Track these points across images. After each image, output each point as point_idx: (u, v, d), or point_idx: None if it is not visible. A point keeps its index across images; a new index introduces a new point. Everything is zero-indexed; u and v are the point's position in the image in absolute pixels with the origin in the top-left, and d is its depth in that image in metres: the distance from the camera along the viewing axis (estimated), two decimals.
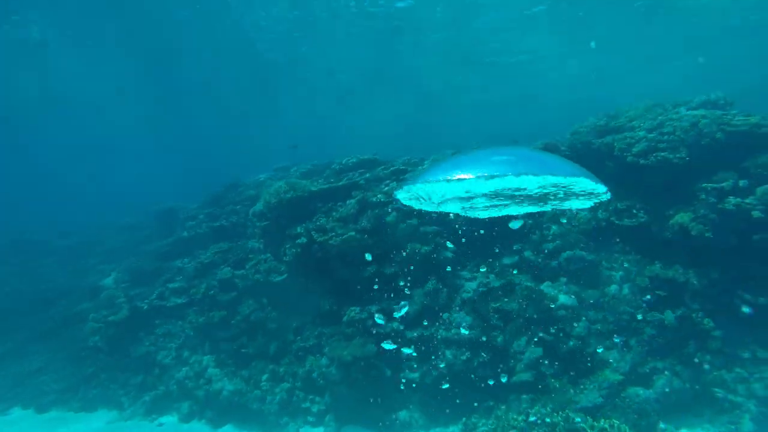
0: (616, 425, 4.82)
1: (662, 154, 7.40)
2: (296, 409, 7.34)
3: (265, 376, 7.71)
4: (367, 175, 8.89)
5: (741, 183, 7.07)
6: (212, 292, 8.90)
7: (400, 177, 8.61)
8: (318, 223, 7.67)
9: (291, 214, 8.23)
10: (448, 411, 6.88)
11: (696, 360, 6.57)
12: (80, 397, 8.64)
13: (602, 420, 4.98)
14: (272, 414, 7.24)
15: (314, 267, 7.75)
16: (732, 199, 6.83)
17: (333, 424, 7.07)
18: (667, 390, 6.37)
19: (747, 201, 6.72)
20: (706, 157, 7.35)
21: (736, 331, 7.06)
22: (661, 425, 6.25)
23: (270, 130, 35.96)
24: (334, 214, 7.79)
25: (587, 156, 8.83)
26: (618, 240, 7.98)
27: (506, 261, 8.12)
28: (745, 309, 6.54)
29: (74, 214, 25.54)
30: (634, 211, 7.94)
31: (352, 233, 7.27)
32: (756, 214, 6.60)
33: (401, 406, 7.12)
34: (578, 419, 5.26)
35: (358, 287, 7.49)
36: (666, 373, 6.45)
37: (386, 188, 8.15)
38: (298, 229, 7.89)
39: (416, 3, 16.97)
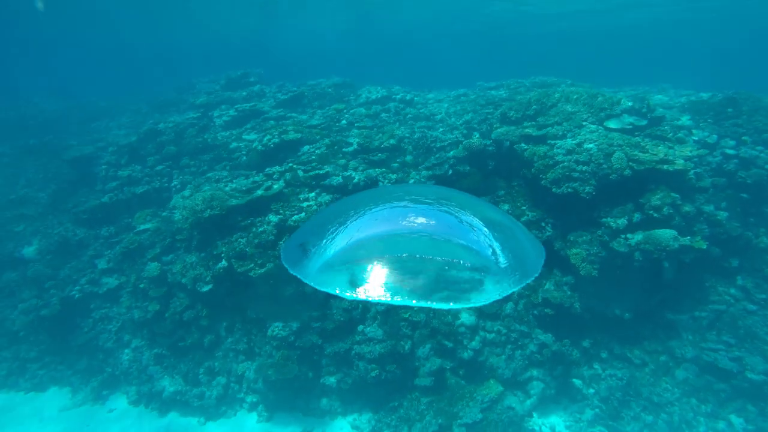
0: None
1: (574, 185, 7.66)
2: (233, 399, 8.48)
3: (202, 370, 8.62)
4: (288, 176, 8.63)
5: (635, 217, 7.64)
6: (143, 285, 9.16)
7: (321, 182, 8.47)
8: (238, 249, 7.76)
9: (211, 228, 8.17)
10: (362, 403, 8.24)
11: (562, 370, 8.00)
12: (28, 377, 9.36)
13: None
14: (212, 407, 8.35)
15: (237, 283, 8.10)
16: (622, 239, 7.47)
17: (265, 413, 8.32)
18: (538, 391, 7.87)
19: (632, 243, 7.40)
20: (611, 190, 7.71)
21: (605, 335, 8.46)
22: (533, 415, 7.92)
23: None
24: (252, 236, 7.84)
25: (510, 157, 8.89)
26: None
27: None
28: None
29: None
30: (543, 224, 8.48)
31: (271, 265, 7.51)
32: (637, 256, 7.36)
33: (322, 395, 8.38)
34: None
35: (281, 302, 8.05)
36: (539, 382, 7.87)
37: (305, 204, 8.10)
38: (220, 248, 7.98)
39: None
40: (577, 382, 8.20)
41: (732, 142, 9.60)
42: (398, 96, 12.58)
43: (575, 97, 9.01)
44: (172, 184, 10.87)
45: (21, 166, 14.05)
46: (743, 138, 9.75)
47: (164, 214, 10.53)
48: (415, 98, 12.79)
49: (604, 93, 9.18)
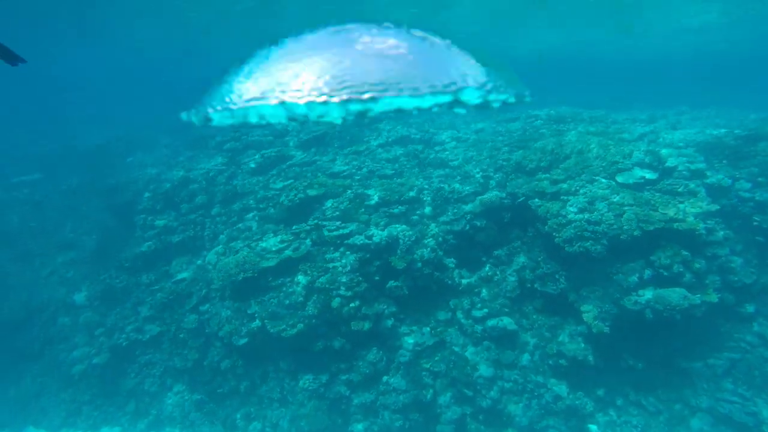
0: None
1: (585, 244, 7.99)
2: None
3: (239, 415, 9.32)
4: (314, 234, 9.22)
5: (646, 274, 7.93)
6: (182, 335, 9.92)
7: (345, 241, 9.03)
8: (270, 310, 8.40)
9: (244, 287, 8.84)
10: None
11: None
12: (84, 418, 10.26)
13: None
14: None
15: (270, 339, 8.74)
16: (633, 297, 7.78)
17: None
18: None
19: (642, 301, 7.69)
20: (622, 249, 8.01)
21: (619, 381, 8.77)
22: None
23: None
24: (284, 297, 8.46)
25: (525, 209, 9.26)
26: (540, 300, 9.03)
27: (441, 316, 9.22)
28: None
29: None
30: (557, 277, 8.82)
31: (301, 326, 8.11)
32: (648, 314, 7.65)
33: None
34: None
35: (311, 355, 8.66)
36: (555, 431, 8.26)
37: (330, 264, 8.68)
38: (253, 307, 8.63)
39: None
40: (593, 428, 8.55)
41: (747, 185, 9.70)
42: (417, 136, 13.03)
43: (588, 148, 9.29)
44: (205, 233, 11.62)
45: (65, 208, 15.11)
46: (758, 179, 9.84)
47: (199, 262, 11.29)
48: (434, 137, 13.22)
49: (616, 141, 9.42)
